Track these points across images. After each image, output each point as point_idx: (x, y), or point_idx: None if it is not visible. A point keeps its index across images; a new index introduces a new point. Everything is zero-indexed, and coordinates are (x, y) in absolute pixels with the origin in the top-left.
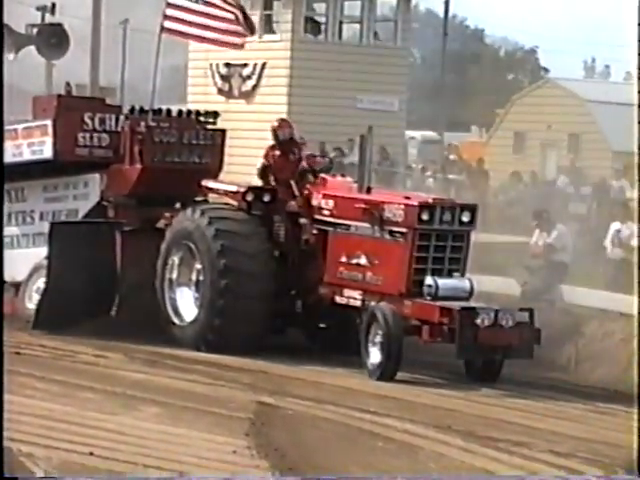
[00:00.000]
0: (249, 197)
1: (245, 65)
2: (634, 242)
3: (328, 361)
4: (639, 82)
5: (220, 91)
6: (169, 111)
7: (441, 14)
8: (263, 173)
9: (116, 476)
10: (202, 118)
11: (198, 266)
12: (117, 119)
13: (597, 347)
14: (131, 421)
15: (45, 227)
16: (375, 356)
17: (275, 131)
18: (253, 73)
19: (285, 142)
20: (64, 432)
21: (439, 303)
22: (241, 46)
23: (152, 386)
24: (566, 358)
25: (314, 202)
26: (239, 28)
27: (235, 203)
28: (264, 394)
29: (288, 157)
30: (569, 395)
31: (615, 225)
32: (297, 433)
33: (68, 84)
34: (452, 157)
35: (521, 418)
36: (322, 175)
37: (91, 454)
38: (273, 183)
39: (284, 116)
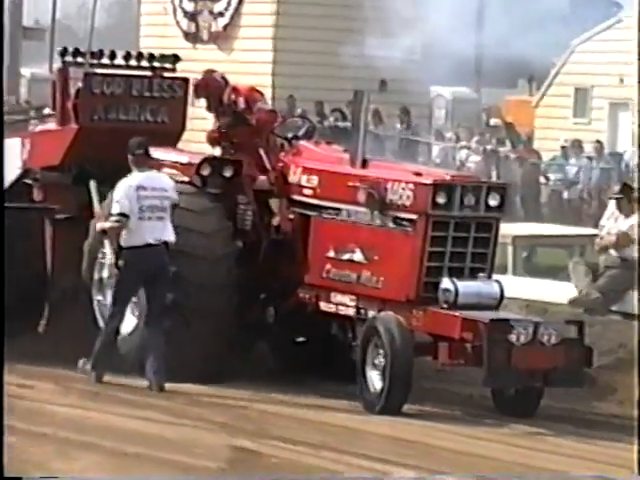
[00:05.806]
0: (205, 171)
1: None
2: None
3: (313, 389)
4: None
5: (186, 35)
6: (113, 54)
7: None
8: (215, 137)
9: (116, 476)
10: (157, 63)
11: None
12: None
13: None
14: (63, 474)
15: None
16: (375, 383)
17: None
18: (227, 8)
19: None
20: None
21: (460, 313)
22: None
23: (92, 426)
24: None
25: (292, 178)
26: None
27: (186, 178)
28: (240, 436)
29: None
30: (627, 435)
31: None
32: None
33: None
34: (493, 121)
35: (566, 466)
36: (302, 142)
37: None
38: (232, 151)
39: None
